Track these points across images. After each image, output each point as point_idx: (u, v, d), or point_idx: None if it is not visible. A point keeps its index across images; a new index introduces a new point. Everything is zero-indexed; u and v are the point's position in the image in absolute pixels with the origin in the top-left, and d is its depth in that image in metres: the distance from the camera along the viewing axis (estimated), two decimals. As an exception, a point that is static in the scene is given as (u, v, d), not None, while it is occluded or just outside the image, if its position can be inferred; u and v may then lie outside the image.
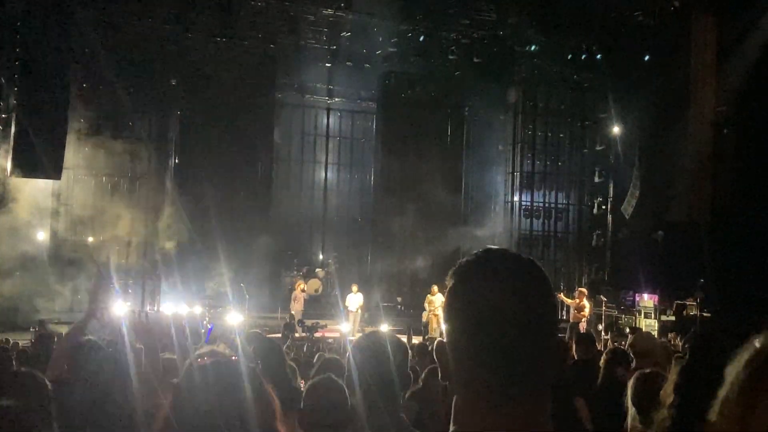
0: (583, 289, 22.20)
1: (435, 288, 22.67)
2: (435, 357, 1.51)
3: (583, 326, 20.12)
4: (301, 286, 23.32)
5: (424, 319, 22.69)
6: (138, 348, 4.49)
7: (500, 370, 1.57)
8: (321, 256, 27.07)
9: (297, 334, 20.07)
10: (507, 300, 1.57)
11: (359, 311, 22.56)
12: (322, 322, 22.00)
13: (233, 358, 3.18)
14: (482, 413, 1.59)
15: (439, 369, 1.67)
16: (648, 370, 4.15)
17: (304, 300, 23.04)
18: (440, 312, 22.37)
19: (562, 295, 23.78)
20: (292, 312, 22.36)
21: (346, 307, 22.59)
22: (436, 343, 1.60)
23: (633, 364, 6.78)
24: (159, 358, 4.64)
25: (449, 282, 1.67)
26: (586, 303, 20.90)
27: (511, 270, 1.63)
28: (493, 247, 1.74)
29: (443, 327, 1.70)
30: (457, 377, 1.63)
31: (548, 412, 1.62)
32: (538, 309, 1.60)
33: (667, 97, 24.38)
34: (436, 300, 22.32)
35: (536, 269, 1.65)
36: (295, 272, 25.95)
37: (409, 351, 3.44)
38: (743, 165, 22.73)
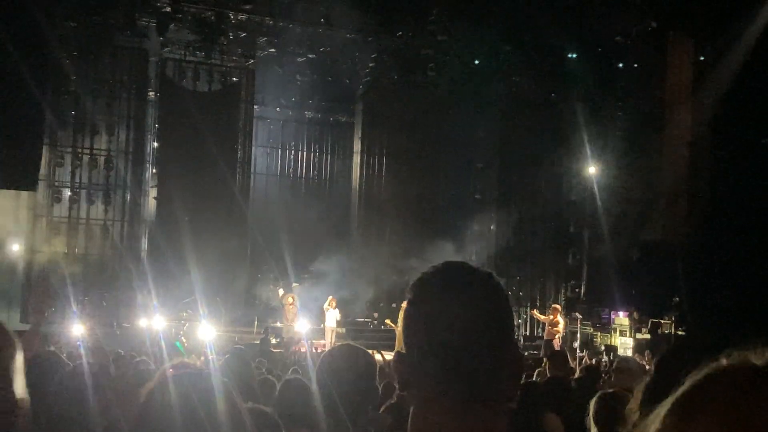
0: (557, 306, 22.28)
1: (405, 304, 22.60)
2: (393, 367, 1.53)
3: (557, 343, 20.16)
4: (290, 299, 23.19)
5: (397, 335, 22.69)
6: (99, 366, 4.44)
7: (454, 381, 1.58)
8: (295, 271, 26.95)
9: (274, 349, 20.02)
10: (463, 312, 1.60)
11: (335, 326, 22.46)
12: (297, 337, 21.97)
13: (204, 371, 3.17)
14: (437, 424, 1.60)
15: (396, 379, 1.69)
16: (611, 390, 4.19)
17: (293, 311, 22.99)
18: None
19: (535, 312, 23.89)
20: (289, 325, 22.25)
21: (323, 323, 22.52)
22: (394, 353, 1.63)
23: (612, 379, 6.82)
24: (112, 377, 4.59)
25: (408, 294, 1.72)
26: (560, 319, 20.95)
27: (468, 283, 1.66)
28: (451, 261, 1.77)
29: (402, 338, 1.71)
30: (414, 387, 1.64)
31: (504, 427, 1.63)
32: (495, 322, 1.63)
33: (643, 117, 24.58)
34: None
35: (493, 283, 1.68)
36: (272, 286, 25.89)
37: (377, 365, 3.45)
38: (718, 185, 22.92)
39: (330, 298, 22.93)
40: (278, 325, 23.34)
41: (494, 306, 1.65)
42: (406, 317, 1.71)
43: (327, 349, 20.46)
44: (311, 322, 22.84)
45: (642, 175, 24.80)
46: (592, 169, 26.70)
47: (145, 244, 24.44)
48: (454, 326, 1.59)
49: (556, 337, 20.50)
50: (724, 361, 0.93)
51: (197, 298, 22.59)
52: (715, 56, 23.22)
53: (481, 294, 1.65)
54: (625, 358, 7.58)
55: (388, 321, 23.40)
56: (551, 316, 21.15)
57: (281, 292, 23.00)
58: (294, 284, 25.75)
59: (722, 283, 21.42)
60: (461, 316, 1.60)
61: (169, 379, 2.55)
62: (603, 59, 25.47)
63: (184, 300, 22.49)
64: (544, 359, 9.58)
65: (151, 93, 24.59)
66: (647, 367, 11.40)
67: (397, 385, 1.71)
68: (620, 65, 25.55)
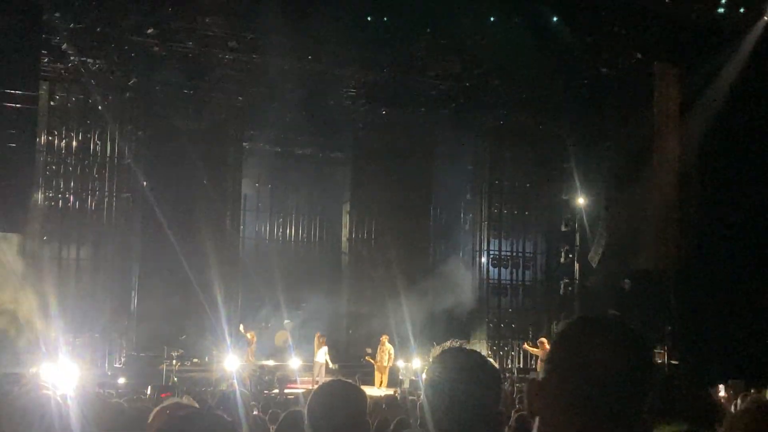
0: (544, 339, 22.35)
1: (384, 338, 22.68)
2: (527, 392, 1.76)
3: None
4: (250, 336, 23.04)
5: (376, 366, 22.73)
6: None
7: (594, 419, 1.76)
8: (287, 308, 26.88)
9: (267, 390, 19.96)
10: (610, 360, 1.79)
11: (324, 362, 22.37)
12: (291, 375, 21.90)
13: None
14: None
15: (526, 403, 1.89)
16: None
17: (254, 351, 22.86)
18: (388, 363, 22.48)
19: (527, 346, 23.94)
20: (250, 364, 22.11)
21: (315, 361, 22.42)
22: (529, 381, 1.81)
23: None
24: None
25: (559, 331, 1.92)
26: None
27: (616, 334, 1.86)
28: (611, 314, 1.98)
29: (544, 368, 1.91)
30: (548, 416, 1.82)
31: None
32: (636, 372, 1.82)
33: (632, 147, 24.70)
34: (385, 351, 22.36)
35: (638, 338, 1.88)
36: (263, 324, 25.85)
37: (367, 400, 3.47)
38: (708, 213, 22.99)
39: (318, 334, 22.88)
40: (270, 363, 23.25)
41: (637, 360, 1.84)
42: (554, 352, 1.89)
43: (313, 382, 20.49)
44: (302, 358, 22.79)
45: (632, 205, 24.87)
46: (581, 200, 26.80)
47: (135, 283, 24.28)
48: (600, 370, 1.77)
49: None
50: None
51: (187, 336, 22.53)
52: (700, 86, 23.39)
53: (633, 349, 1.84)
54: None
55: (368, 357, 23.35)
56: (540, 350, 21.33)
57: (242, 327, 22.86)
58: (286, 321, 25.70)
59: (714, 311, 21.44)
60: (608, 364, 1.78)
61: (174, 420, 2.52)
62: (590, 91, 25.63)
63: (180, 337, 22.45)
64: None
65: (139, 132, 24.51)
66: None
67: (526, 410, 1.87)
68: (607, 96, 25.68)
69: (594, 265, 25.97)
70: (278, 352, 24.60)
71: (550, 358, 1.88)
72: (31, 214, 22.06)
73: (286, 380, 21.68)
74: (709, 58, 23.01)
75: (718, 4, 22.13)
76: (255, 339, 23.15)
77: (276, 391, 20.46)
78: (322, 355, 22.28)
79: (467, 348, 2.39)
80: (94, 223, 23.53)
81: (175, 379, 20.54)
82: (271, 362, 23.46)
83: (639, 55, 24.50)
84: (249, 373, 21.44)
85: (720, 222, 22.12)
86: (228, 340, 22.04)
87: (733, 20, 22.43)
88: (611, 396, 1.75)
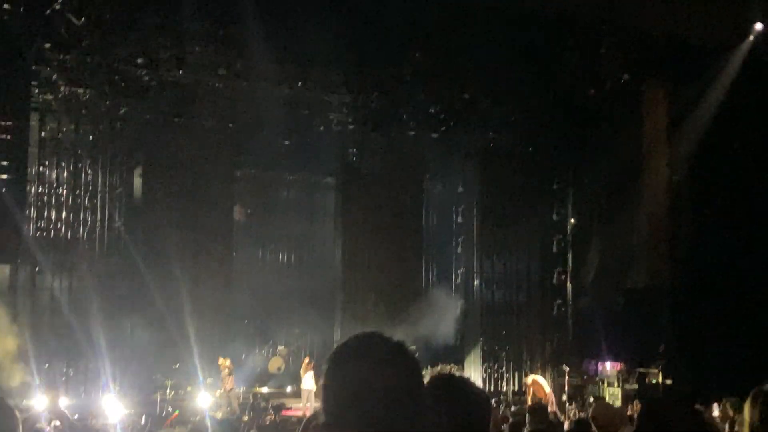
0: (526, 381, 22.78)
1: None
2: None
3: (550, 401, 20.22)
4: (225, 363, 22.84)
5: None
6: None
7: None
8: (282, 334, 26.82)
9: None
10: (377, 378, 1.75)
11: (312, 388, 22.25)
12: (286, 402, 21.82)
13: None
14: None
15: None
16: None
17: (231, 379, 22.67)
18: None
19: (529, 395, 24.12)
20: (227, 394, 21.93)
21: (302, 388, 22.29)
22: (305, 419, 1.79)
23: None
24: None
25: (325, 366, 1.87)
26: (542, 386, 21.33)
27: (381, 352, 1.82)
28: (365, 332, 1.91)
29: (319, 404, 1.87)
30: None
31: None
32: (405, 386, 1.78)
33: (622, 166, 24.82)
34: None
35: (403, 351, 1.85)
36: (256, 350, 25.81)
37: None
38: (699, 231, 23.10)
39: (305, 359, 22.81)
40: (265, 390, 23.16)
41: (405, 372, 1.79)
42: (324, 385, 1.83)
43: (304, 410, 20.41)
44: (297, 384, 22.74)
45: (623, 223, 24.95)
46: (572, 219, 26.87)
47: (129, 311, 24.19)
48: (369, 392, 1.72)
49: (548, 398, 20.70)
50: None
51: (180, 364, 22.45)
52: (688, 105, 23.58)
53: (393, 362, 1.79)
54: (601, 411, 7.36)
55: None
56: (541, 389, 21.57)
57: (220, 359, 22.69)
58: (280, 347, 25.64)
59: (708, 328, 21.47)
60: (375, 383, 1.74)
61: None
62: (579, 111, 25.73)
63: (173, 366, 22.38)
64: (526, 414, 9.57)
65: (131, 161, 24.49)
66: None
67: None
68: (596, 116, 25.78)
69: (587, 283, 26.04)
70: (273, 379, 24.53)
71: (324, 393, 1.83)
72: (22, 245, 21.99)
73: (281, 407, 21.61)
74: (697, 77, 23.20)
75: (705, 25, 22.33)
76: (232, 366, 22.97)
77: (270, 417, 20.39)
78: (309, 380, 22.12)
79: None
80: (86, 252, 23.47)
81: (169, 408, 20.45)
82: (265, 389, 23.37)
83: (627, 76, 24.67)
84: (238, 401, 21.42)
85: (711, 239, 22.20)
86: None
87: (719, 41, 22.65)
88: (387, 414, 1.71)
